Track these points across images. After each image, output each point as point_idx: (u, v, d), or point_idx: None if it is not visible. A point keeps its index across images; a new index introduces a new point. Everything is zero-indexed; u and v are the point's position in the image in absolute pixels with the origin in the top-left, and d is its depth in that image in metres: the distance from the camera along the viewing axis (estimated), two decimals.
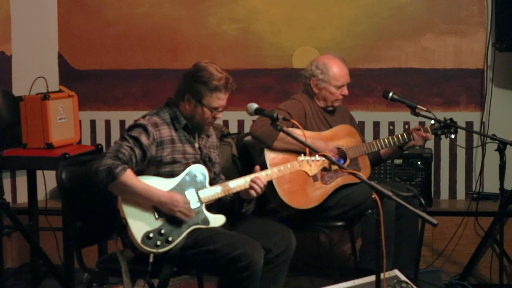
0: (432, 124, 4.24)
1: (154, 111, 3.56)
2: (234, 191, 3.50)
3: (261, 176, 3.50)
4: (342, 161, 4.15)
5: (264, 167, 3.95)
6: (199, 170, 3.51)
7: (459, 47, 5.10)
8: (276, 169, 3.58)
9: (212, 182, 3.56)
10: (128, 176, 3.32)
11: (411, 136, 4.22)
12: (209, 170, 3.57)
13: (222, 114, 3.56)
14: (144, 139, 3.40)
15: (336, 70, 4.23)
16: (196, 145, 3.59)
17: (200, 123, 3.55)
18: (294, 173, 3.62)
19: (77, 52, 5.45)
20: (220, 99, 3.50)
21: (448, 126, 4.21)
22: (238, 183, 3.50)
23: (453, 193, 5.18)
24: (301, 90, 4.36)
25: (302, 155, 3.55)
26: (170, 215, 3.38)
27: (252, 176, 3.51)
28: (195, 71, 3.51)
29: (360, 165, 4.23)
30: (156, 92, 5.31)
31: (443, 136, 4.25)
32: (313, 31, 5.21)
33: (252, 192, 3.48)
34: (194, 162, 3.53)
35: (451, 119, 4.26)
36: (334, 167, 4.01)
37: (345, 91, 4.27)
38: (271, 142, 4.03)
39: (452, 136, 4.25)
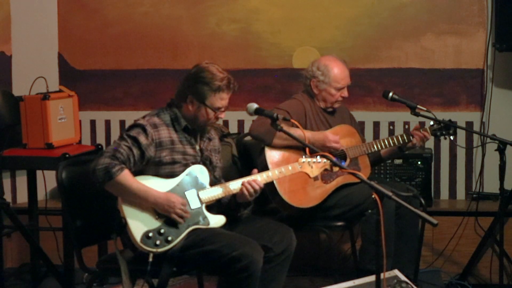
0: (432, 125, 4.24)
1: (155, 112, 3.57)
2: (235, 192, 3.49)
3: (257, 179, 3.50)
4: (343, 163, 4.14)
5: (264, 166, 3.96)
6: (199, 171, 3.51)
7: (459, 47, 5.10)
8: (277, 170, 3.58)
9: (212, 186, 3.56)
10: (125, 176, 3.33)
11: (411, 136, 4.21)
12: (210, 173, 3.57)
13: (224, 114, 3.56)
14: (142, 139, 3.41)
15: (337, 72, 4.23)
16: (197, 147, 3.58)
17: (202, 124, 3.55)
18: (295, 172, 3.62)
19: (77, 52, 5.45)
20: (223, 99, 3.50)
21: (447, 127, 4.21)
22: (239, 185, 3.49)
23: (453, 193, 5.18)
24: (301, 90, 4.36)
25: (304, 156, 3.55)
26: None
27: (257, 176, 3.50)
28: (196, 72, 3.51)
29: (360, 165, 4.23)
30: (156, 92, 5.31)
31: (442, 138, 4.25)
32: (313, 31, 5.21)
33: (245, 193, 3.47)
34: (194, 163, 3.53)
35: (449, 121, 4.26)
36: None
37: (345, 93, 4.27)
38: (270, 140, 4.03)
39: (452, 137, 4.24)
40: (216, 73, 3.48)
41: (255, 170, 3.57)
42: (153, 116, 3.53)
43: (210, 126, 3.60)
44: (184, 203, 3.39)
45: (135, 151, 3.39)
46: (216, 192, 3.49)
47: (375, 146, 4.23)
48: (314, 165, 3.53)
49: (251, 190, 3.47)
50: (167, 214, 3.37)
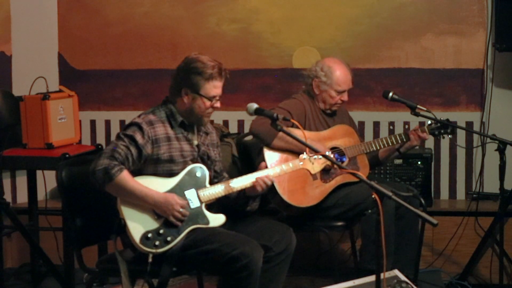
0: (429, 124, 4.24)
1: (150, 110, 3.57)
2: (237, 189, 3.49)
3: (269, 175, 3.50)
4: (344, 159, 4.14)
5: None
6: (199, 170, 3.51)
7: (459, 47, 5.10)
8: (278, 168, 3.58)
9: (213, 181, 3.56)
10: (124, 177, 3.33)
11: (409, 136, 4.21)
12: (209, 169, 3.57)
13: (220, 104, 3.55)
14: (139, 137, 3.41)
15: (340, 75, 4.23)
16: (195, 142, 3.58)
17: (199, 116, 3.54)
18: (294, 172, 3.62)
19: (77, 52, 5.45)
20: (216, 87, 3.50)
21: (445, 126, 4.21)
22: (243, 182, 3.49)
23: (453, 193, 5.18)
24: (302, 90, 4.37)
25: (304, 153, 3.55)
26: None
27: (259, 173, 3.50)
28: (187, 64, 3.52)
29: (359, 164, 4.23)
30: (156, 92, 5.30)
31: (441, 137, 4.25)
32: (313, 31, 5.21)
33: (258, 188, 3.47)
34: (192, 160, 3.53)
35: (447, 120, 4.26)
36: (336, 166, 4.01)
37: (345, 97, 4.27)
38: (270, 140, 4.03)
39: (450, 136, 4.24)
40: (207, 62, 3.49)
41: (263, 164, 3.58)
42: (149, 114, 3.53)
43: (207, 118, 3.59)
44: (184, 205, 3.39)
45: (133, 149, 3.39)
46: (217, 191, 3.48)
47: (373, 145, 4.23)
48: (315, 161, 3.54)
49: (263, 185, 3.48)
50: (165, 216, 3.37)
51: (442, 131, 4.22)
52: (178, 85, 3.53)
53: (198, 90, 3.48)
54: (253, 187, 3.49)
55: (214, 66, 3.48)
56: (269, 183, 3.50)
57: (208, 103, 3.50)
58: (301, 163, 3.54)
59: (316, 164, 3.54)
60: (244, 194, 3.56)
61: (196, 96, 3.49)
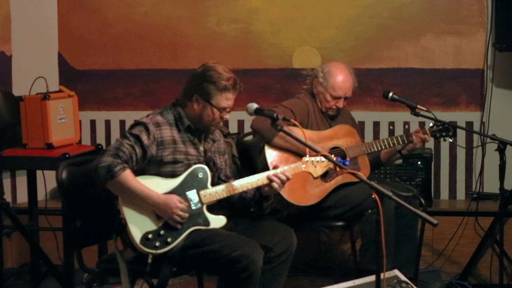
0: (431, 127, 4.24)
1: (159, 110, 3.55)
2: (240, 190, 3.47)
3: (285, 171, 3.48)
4: (347, 162, 4.14)
5: (264, 165, 3.96)
6: (201, 171, 3.49)
7: (459, 47, 5.11)
8: (279, 170, 3.57)
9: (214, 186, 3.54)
10: (127, 176, 3.32)
11: (410, 137, 4.21)
12: (213, 175, 3.55)
13: (229, 115, 3.54)
14: (144, 138, 3.40)
15: (337, 81, 4.22)
16: (201, 148, 3.57)
17: (207, 124, 3.52)
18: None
19: (77, 52, 5.45)
20: (228, 99, 3.49)
21: (447, 129, 4.21)
22: (244, 182, 3.48)
23: (453, 193, 5.18)
24: (305, 89, 4.37)
25: (307, 155, 3.54)
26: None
27: (271, 172, 3.48)
28: (203, 71, 3.50)
29: (360, 165, 4.23)
30: (156, 92, 5.31)
31: (442, 139, 4.25)
32: (313, 31, 5.21)
33: (275, 185, 3.44)
34: (196, 164, 3.51)
35: (448, 123, 4.25)
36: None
37: (340, 103, 4.25)
38: (271, 138, 4.03)
39: (451, 140, 4.24)
40: (223, 72, 3.48)
41: (276, 164, 3.56)
42: (157, 114, 3.52)
43: (215, 127, 3.58)
44: (183, 209, 3.38)
45: (137, 149, 3.39)
46: (218, 191, 3.47)
47: (374, 146, 4.23)
48: (318, 164, 3.52)
49: (280, 182, 3.45)
50: (165, 218, 3.37)
51: (443, 133, 4.22)
52: (190, 90, 3.51)
53: (209, 99, 3.47)
54: (269, 185, 3.47)
55: (230, 78, 3.47)
56: (285, 179, 3.47)
57: (217, 113, 3.48)
58: (304, 165, 3.53)
59: (318, 167, 3.53)
60: (260, 194, 3.55)
61: (206, 104, 3.48)
